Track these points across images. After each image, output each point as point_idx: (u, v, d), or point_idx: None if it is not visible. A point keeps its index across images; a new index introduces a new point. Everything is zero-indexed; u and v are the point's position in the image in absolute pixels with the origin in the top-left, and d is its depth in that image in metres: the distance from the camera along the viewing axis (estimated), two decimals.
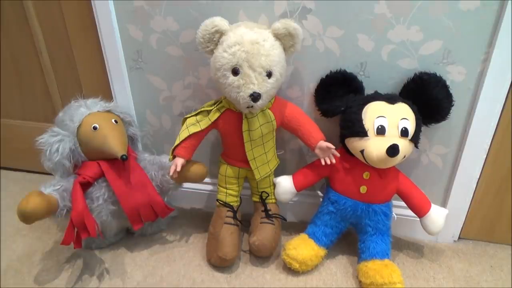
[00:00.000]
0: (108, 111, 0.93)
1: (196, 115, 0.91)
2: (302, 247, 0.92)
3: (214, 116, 0.88)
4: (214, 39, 0.79)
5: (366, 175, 0.88)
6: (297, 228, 1.03)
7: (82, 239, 0.85)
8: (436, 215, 0.90)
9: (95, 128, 0.87)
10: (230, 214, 0.98)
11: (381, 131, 0.81)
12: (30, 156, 1.26)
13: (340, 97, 0.89)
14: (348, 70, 0.88)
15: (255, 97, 0.78)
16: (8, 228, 1.10)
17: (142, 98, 1.06)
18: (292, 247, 0.92)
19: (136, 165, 0.92)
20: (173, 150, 0.91)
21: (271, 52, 0.78)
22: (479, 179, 0.97)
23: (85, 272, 0.95)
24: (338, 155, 0.88)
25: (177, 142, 0.90)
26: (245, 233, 1.06)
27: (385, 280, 0.85)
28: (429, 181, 1.00)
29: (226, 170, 0.98)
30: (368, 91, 0.89)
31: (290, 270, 0.94)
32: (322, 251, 0.94)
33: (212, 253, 0.94)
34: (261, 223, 0.97)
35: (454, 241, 1.06)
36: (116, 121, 0.91)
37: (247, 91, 0.77)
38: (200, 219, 1.13)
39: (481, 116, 0.87)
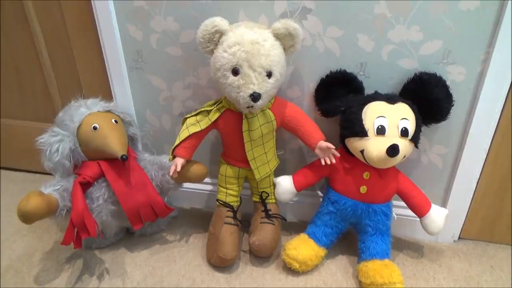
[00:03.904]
0: (108, 111, 0.93)
1: (196, 115, 0.91)
2: (302, 247, 0.92)
3: (214, 116, 0.88)
4: (214, 39, 0.79)
5: (366, 175, 0.88)
6: (297, 228, 1.03)
7: (82, 239, 0.85)
8: (436, 215, 0.90)
9: (95, 128, 0.87)
10: (230, 214, 0.98)
11: (381, 131, 0.81)
12: (30, 156, 1.26)
13: (340, 97, 0.88)
14: (348, 70, 0.88)
15: (255, 97, 0.78)
16: (8, 228, 1.10)
17: (142, 98, 1.06)
18: (292, 247, 0.92)
19: (136, 165, 0.92)
20: (173, 150, 0.91)
21: (271, 52, 0.78)
22: (479, 179, 0.97)
23: (85, 272, 0.95)
24: (338, 155, 0.88)
25: (177, 142, 0.90)
26: (245, 233, 1.06)
27: (385, 280, 0.85)
28: (429, 181, 1.00)
29: (226, 170, 0.98)
30: (368, 91, 0.89)
31: (290, 270, 0.94)
32: (322, 251, 0.94)
33: (212, 253, 0.94)
34: (261, 223, 0.97)
35: (454, 241, 1.06)
36: (116, 121, 0.91)
37: (247, 91, 0.77)
38: (200, 219, 1.13)
39: (481, 116, 0.87)
